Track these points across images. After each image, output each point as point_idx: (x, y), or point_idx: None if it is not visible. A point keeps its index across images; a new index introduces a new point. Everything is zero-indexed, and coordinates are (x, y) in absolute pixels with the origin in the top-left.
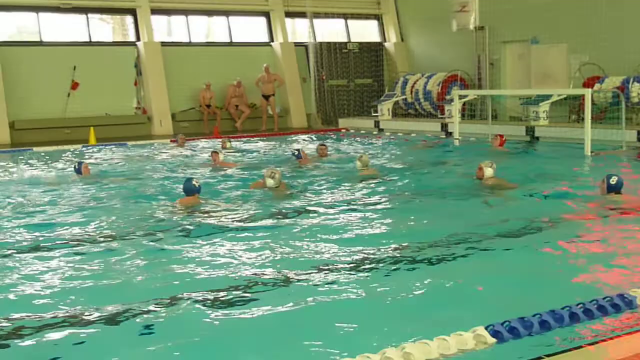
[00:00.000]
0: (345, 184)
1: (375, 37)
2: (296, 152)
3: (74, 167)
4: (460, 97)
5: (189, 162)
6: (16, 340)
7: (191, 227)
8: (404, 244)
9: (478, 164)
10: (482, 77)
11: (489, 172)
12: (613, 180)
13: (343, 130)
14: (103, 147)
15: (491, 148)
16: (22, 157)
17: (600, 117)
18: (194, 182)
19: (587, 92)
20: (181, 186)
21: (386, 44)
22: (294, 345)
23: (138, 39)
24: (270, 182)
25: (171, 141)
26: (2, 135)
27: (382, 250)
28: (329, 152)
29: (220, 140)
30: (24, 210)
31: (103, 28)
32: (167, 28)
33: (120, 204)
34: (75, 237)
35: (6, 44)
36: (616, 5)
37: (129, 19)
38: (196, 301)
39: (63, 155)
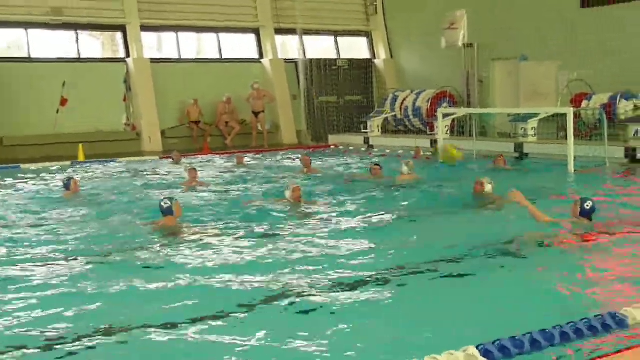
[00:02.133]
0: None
1: (364, 54)
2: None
3: (63, 182)
4: (447, 114)
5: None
6: None
7: (169, 249)
8: (393, 263)
9: (476, 179)
10: (471, 94)
11: (489, 187)
12: (587, 205)
13: (332, 147)
14: (92, 163)
15: (493, 165)
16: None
17: (588, 134)
18: (162, 203)
19: (570, 111)
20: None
21: (376, 61)
22: None
23: (128, 55)
24: (287, 194)
25: (162, 157)
26: None
27: (370, 269)
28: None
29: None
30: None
31: (92, 44)
32: (157, 44)
33: (100, 222)
34: (48, 256)
35: None
36: (604, 23)
37: (118, 35)
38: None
39: (52, 171)
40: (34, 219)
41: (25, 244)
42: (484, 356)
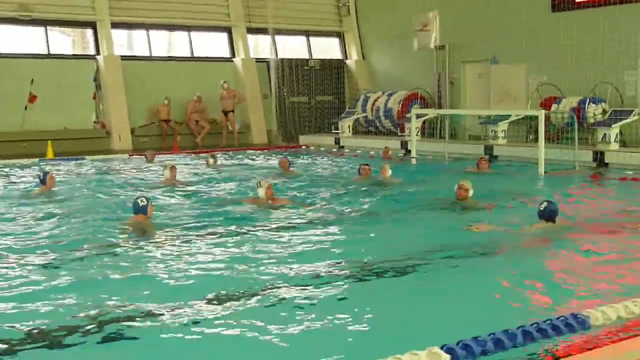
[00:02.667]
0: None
1: (336, 55)
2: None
3: (39, 177)
4: (420, 115)
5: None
6: None
7: (139, 246)
8: (359, 262)
9: (458, 184)
10: (442, 96)
11: (470, 192)
12: (542, 206)
13: (303, 147)
14: (62, 161)
15: (478, 169)
16: None
17: (558, 137)
18: (138, 200)
19: (541, 114)
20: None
21: (347, 62)
22: None
23: (98, 52)
24: (260, 192)
25: (131, 155)
26: None
27: (337, 268)
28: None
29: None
30: None
31: (62, 41)
32: (127, 42)
33: (73, 219)
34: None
35: None
36: (574, 28)
37: (89, 32)
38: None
39: (20, 169)
40: (7, 215)
41: None
42: (447, 353)
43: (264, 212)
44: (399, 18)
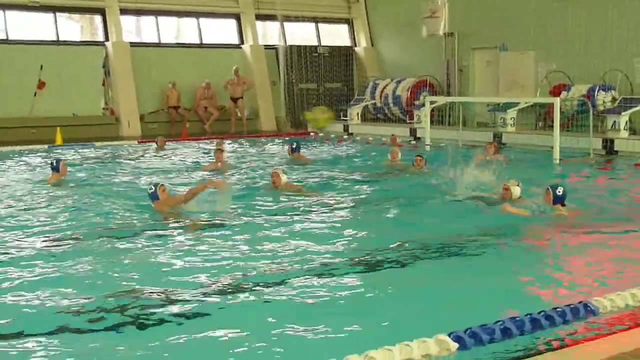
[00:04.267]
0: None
1: (345, 42)
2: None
3: (51, 164)
4: (430, 102)
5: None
6: None
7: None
8: (367, 250)
9: (503, 184)
10: (451, 83)
11: (517, 190)
12: (559, 192)
13: (312, 134)
14: (73, 147)
15: (485, 156)
16: None
17: (567, 125)
18: (149, 188)
19: (556, 101)
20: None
21: (356, 49)
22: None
23: (107, 38)
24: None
25: (140, 142)
26: None
27: (345, 256)
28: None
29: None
30: None
31: (71, 27)
32: (136, 28)
33: (89, 205)
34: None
35: None
36: (583, 15)
37: (97, 18)
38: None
39: (30, 155)
40: (21, 202)
41: (13, 226)
42: (456, 342)
43: (285, 198)
44: (408, 5)
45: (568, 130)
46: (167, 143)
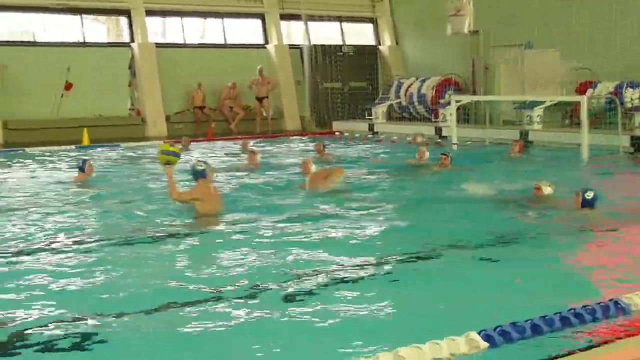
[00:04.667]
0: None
1: (370, 41)
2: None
3: (78, 164)
4: (456, 101)
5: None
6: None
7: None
8: (398, 251)
9: (535, 185)
10: (477, 81)
11: (548, 190)
12: (588, 196)
13: (337, 133)
14: (101, 147)
15: (509, 154)
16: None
17: (594, 123)
18: (199, 164)
19: (583, 99)
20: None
21: (381, 47)
22: (287, 351)
23: (132, 40)
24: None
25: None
26: None
27: (376, 257)
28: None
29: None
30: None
31: (97, 29)
32: (161, 29)
33: (121, 205)
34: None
35: (0, 43)
36: (609, 12)
37: (123, 20)
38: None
39: (57, 155)
40: (50, 203)
41: (42, 228)
42: (485, 341)
43: (312, 199)
44: (432, 3)
45: (596, 127)
46: (191, 143)
